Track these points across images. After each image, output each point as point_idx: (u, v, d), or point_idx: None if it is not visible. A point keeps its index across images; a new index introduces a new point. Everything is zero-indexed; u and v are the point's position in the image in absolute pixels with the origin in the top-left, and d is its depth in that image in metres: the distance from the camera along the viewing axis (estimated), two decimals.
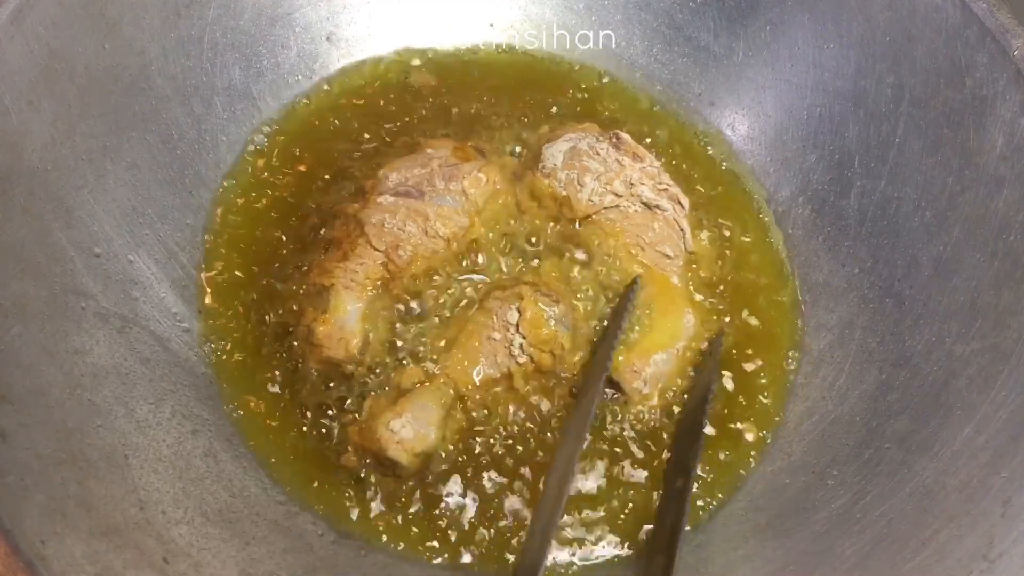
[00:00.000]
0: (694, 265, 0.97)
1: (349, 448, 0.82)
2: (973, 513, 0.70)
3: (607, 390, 0.87)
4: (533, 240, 0.93)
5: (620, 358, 0.86)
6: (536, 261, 0.92)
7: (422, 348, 0.86)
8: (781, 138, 1.05)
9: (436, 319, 0.87)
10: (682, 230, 0.95)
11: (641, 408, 0.87)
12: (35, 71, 0.76)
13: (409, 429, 0.79)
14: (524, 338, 0.84)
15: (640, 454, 0.86)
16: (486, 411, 0.84)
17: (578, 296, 0.90)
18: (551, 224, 0.94)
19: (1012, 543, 0.66)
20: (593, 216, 0.94)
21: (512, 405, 0.85)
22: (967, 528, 0.69)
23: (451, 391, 0.82)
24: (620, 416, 0.87)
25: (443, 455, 0.82)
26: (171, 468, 0.74)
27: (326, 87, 1.07)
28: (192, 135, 0.94)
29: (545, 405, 0.86)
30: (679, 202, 0.96)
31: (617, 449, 0.86)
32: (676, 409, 0.88)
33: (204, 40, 0.95)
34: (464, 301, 0.89)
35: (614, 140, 0.98)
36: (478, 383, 0.83)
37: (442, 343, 0.86)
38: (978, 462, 0.73)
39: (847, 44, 0.98)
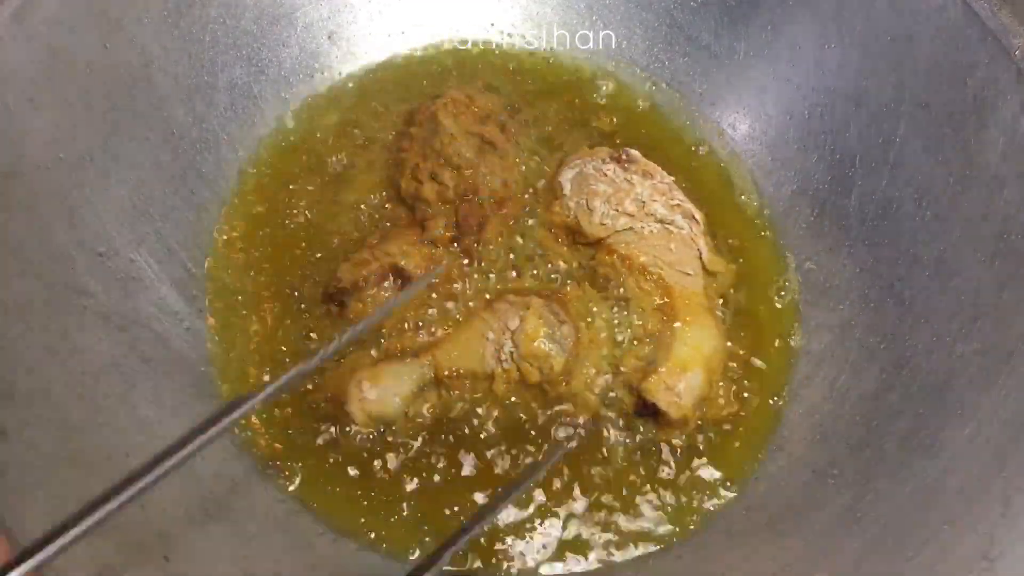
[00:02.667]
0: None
1: (321, 387, 0.84)
2: (974, 513, 0.70)
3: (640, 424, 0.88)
4: (562, 264, 0.94)
5: (651, 379, 0.85)
6: (566, 282, 0.92)
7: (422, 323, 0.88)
8: (782, 138, 1.05)
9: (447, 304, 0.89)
10: (699, 249, 0.94)
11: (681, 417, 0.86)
12: (37, 69, 0.76)
13: (375, 392, 0.81)
14: (516, 348, 0.84)
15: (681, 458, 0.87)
16: (459, 402, 0.85)
17: (590, 325, 0.88)
18: (566, 250, 0.94)
19: (1013, 543, 0.66)
20: (608, 240, 0.92)
21: (485, 405, 0.85)
22: (968, 528, 0.69)
23: (432, 373, 0.83)
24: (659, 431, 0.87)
25: (404, 428, 0.84)
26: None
27: (333, 88, 1.07)
28: (194, 134, 0.94)
29: (518, 415, 0.86)
30: (693, 217, 0.95)
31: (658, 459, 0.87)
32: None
33: (206, 39, 0.95)
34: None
35: (623, 159, 0.96)
36: (459, 373, 0.84)
37: (445, 326, 0.88)
38: (979, 462, 0.73)
39: (848, 44, 0.98)
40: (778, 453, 0.88)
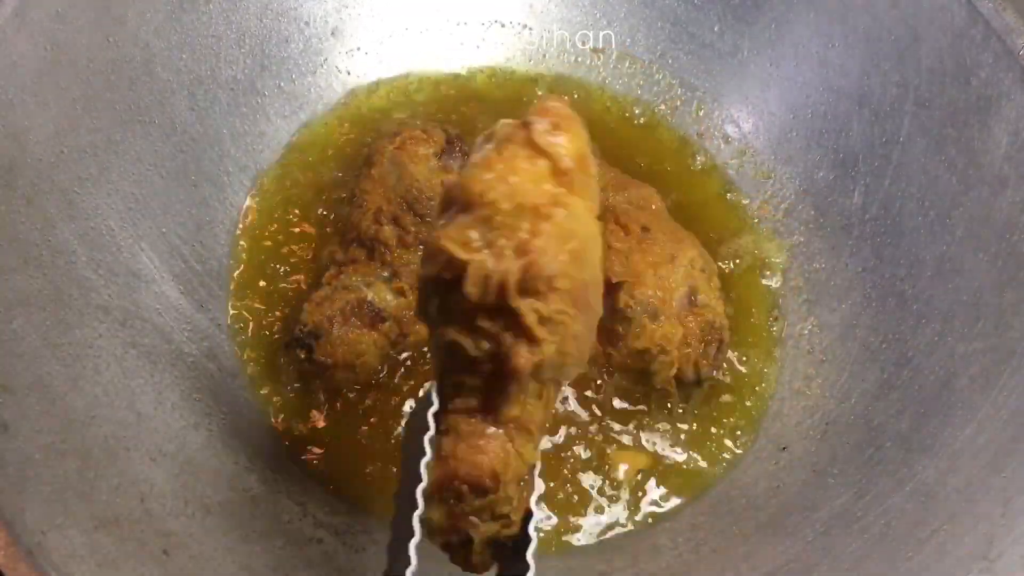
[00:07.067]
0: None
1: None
2: (973, 513, 0.70)
3: None
4: None
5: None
6: None
7: None
8: (785, 136, 1.05)
9: None
10: None
11: None
12: (39, 64, 0.76)
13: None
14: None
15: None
16: None
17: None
18: None
19: (1012, 543, 0.66)
20: None
21: None
22: (967, 528, 0.69)
23: None
24: None
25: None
26: (172, 461, 0.74)
27: (336, 86, 1.07)
28: (196, 129, 0.94)
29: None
30: None
31: None
32: None
33: (209, 34, 0.95)
34: None
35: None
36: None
37: None
38: (979, 462, 0.73)
39: (852, 43, 0.97)
40: (778, 453, 0.88)
